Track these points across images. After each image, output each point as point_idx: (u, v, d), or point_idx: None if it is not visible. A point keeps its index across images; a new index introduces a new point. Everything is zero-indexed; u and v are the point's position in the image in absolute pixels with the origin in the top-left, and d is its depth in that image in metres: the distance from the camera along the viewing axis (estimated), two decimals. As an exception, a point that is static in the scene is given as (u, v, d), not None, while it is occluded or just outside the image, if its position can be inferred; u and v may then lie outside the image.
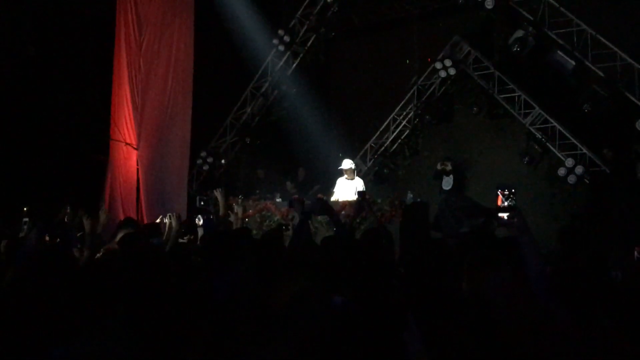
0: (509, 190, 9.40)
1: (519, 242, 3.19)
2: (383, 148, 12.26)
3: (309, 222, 5.15)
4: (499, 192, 9.58)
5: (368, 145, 12.36)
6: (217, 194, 6.17)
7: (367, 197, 7.87)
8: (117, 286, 2.71)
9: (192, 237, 5.65)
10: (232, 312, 2.69)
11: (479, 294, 2.83)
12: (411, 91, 11.88)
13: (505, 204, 9.26)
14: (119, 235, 4.85)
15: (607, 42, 9.10)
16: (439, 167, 10.85)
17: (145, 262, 3.05)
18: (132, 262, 3.07)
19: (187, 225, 5.75)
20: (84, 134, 10.87)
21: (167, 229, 5.33)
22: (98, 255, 4.50)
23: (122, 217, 9.27)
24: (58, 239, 5.29)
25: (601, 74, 9.17)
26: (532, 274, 3.06)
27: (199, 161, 12.58)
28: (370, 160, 12.30)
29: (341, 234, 4.75)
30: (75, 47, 11.26)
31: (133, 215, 10.14)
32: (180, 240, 5.44)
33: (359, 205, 7.27)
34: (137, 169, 10.65)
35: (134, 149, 10.67)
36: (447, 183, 10.78)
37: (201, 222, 5.70)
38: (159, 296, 2.74)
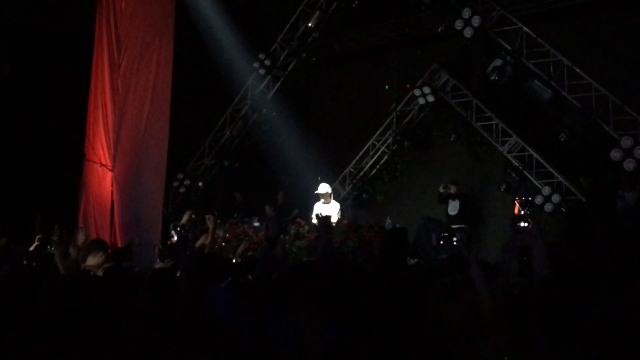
0: (526, 199, 9.41)
1: (532, 247, 3.27)
2: (362, 173, 12.26)
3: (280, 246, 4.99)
4: (515, 201, 9.60)
5: (347, 170, 12.36)
6: (209, 222, 5.80)
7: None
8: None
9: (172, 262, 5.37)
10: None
11: (441, 324, 2.76)
12: (390, 117, 11.94)
13: (522, 212, 9.30)
14: (90, 258, 4.72)
15: (582, 73, 9.27)
16: (441, 190, 10.66)
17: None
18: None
19: (169, 249, 5.51)
20: (59, 153, 10.70)
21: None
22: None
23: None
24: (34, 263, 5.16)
25: (577, 104, 9.32)
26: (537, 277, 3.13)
27: (176, 183, 12.43)
28: (349, 185, 12.29)
29: (328, 256, 4.51)
30: (52, 66, 11.15)
31: (107, 237, 9.93)
32: (160, 264, 5.29)
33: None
34: (112, 190, 10.47)
35: (109, 170, 10.49)
36: (454, 208, 10.46)
37: (175, 238, 5.52)
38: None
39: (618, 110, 9.02)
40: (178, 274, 4.53)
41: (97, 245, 5.21)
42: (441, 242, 6.95)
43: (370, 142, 12.20)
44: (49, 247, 5.56)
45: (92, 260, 4.90)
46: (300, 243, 8.59)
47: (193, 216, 6.46)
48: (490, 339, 2.67)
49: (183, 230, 5.16)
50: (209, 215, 5.56)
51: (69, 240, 5.13)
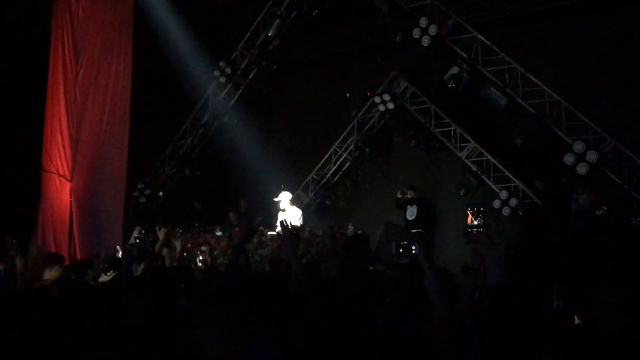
0: (478, 209, 9.57)
1: (485, 258, 3.31)
2: (325, 180, 12.33)
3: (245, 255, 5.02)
4: (468, 211, 9.75)
5: (310, 176, 12.41)
6: (160, 232, 5.84)
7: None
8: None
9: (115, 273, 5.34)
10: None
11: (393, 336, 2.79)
12: (351, 124, 12.06)
13: (475, 222, 9.45)
14: (47, 272, 4.64)
15: (536, 80, 9.53)
16: (398, 195, 10.81)
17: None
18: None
19: (111, 261, 5.48)
20: (15, 164, 10.46)
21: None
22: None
23: (53, 251, 8.89)
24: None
25: (531, 110, 9.58)
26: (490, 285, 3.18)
27: (136, 193, 12.24)
28: (312, 191, 12.34)
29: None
30: (8, 75, 10.89)
31: (65, 249, 9.75)
32: (105, 277, 5.23)
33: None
34: (71, 201, 10.28)
35: (67, 180, 10.30)
36: (411, 213, 10.61)
37: (119, 253, 5.46)
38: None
39: (570, 115, 9.30)
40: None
41: (52, 258, 5.09)
42: (400, 251, 7.07)
43: (332, 148, 12.28)
44: None
45: (48, 274, 4.81)
46: (263, 251, 8.59)
47: (143, 232, 6.42)
48: (443, 348, 2.72)
49: (134, 246, 5.12)
50: (159, 227, 5.53)
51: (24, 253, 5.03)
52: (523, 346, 2.63)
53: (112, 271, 5.44)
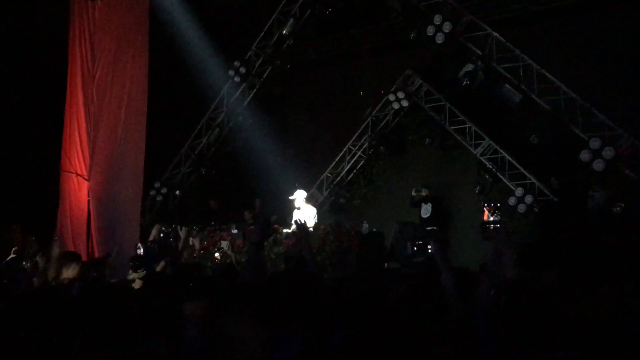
0: (495, 205, 9.58)
1: (502, 252, 3.35)
2: (339, 178, 12.36)
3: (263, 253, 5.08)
4: (484, 207, 9.77)
5: (324, 175, 12.45)
6: (182, 232, 5.94)
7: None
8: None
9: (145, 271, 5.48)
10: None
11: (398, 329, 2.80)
12: (365, 122, 12.07)
13: (491, 218, 9.47)
14: (64, 270, 4.72)
15: (551, 77, 9.47)
16: (413, 193, 10.82)
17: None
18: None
19: (140, 259, 5.59)
20: (36, 164, 10.64)
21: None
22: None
23: (72, 250, 9.02)
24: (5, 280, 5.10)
25: (546, 107, 9.52)
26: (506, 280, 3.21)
27: (153, 192, 12.39)
28: (326, 190, 12.37)
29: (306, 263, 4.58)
30: (28, 77, 11.07)
31: (83, 247, 9.88)
32: (135, 275, 5.33)
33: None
34: (88, 200, 10.42)
35: (85, 180, 10.44)
36: (426, 211, 10.63)
37: (141, 251, 5.58)
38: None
39: (586, 112, 9.23)
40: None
41: (69, 257, 5.17)
42: (415, 249, 7.12)
43: (346, 147, 12.31)
44: (24, 262, 5.52)
45: (66, 273, 4.89)
46: (279, 249, 8.66)
47: (163, 228, 6.52)
48: (456, 342, 2.74)
49: (155, 244, 5.22)
50: (179, 226, 5.64)
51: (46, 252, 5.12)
52: (538, 342, 2.64)
53: (142, 269, 5.57)
